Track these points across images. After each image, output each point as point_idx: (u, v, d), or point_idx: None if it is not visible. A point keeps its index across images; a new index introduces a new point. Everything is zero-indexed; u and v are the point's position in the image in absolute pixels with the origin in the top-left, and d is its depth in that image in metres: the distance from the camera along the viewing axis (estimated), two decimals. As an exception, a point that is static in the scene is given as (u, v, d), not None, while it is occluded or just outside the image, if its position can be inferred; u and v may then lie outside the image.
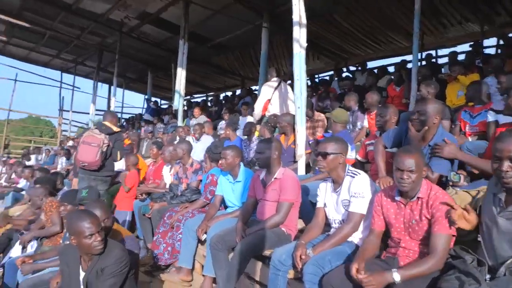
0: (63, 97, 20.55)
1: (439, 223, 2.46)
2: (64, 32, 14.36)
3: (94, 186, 5.72)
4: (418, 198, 2.62)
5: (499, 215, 2.28)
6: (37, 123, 39.29)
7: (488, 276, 2.21)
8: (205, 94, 20.67)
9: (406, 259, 2.63)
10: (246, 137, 7.06)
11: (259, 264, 3.57)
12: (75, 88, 19.69)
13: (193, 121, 10.01)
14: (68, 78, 20.14)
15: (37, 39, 15.77)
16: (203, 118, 9.79)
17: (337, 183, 3.22)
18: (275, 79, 7.37)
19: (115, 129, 6.06)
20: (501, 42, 9.89)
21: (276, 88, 7.21)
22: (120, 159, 6.19)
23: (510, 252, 2.21)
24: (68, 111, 20.17)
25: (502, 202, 2.29)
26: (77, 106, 37.31)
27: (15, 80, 20.61)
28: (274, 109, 7.13)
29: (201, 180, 5.47)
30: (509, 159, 2.18)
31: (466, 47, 10.58)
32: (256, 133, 6.99)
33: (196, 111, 10.37)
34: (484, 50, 9.92)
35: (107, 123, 6.04)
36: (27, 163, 14.24)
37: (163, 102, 21.44)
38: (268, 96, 7.23)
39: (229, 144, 5.94)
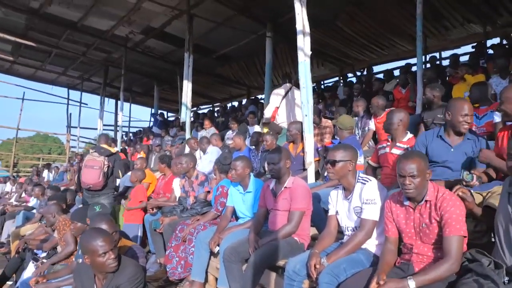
0: (70, 113, 20.81)
1: (449, 225, 2.44)
2: (70, 49, 14.52)
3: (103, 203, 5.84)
4: (426, 201, 2.61)
5: None
6: (45, 141, 39.68)
7: (506, 279, 2.19)
8: (211, 105, 20.72)
9: (420, 264, 2.61)
10: (254, 147, 7.07)
11: (273, 275, 3.55)
12: (82, 104, 19.81)
13: (201, 133, 10.04)
14: (75, 94, 20.44)
15: (43, 57, 15.98)
16: (213, 130, 9.81)
17: (348, 190, 3.20)
18: (288, 85, 7.36)
19: (113, 150, 6.64)
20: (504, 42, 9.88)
21: (284, 97, 7.24)
22: (122, 175, 6.61)
23: None
24: (76, 127, 20.25)
25: None
26: (85, 122, 37.69)
27: (23, 99, 20.92)
28: (281, 117, 7.15)
29: (208, 192, 5.48)
30: None
31: (469, 48, 10.59)
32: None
33: (207, 123, 10.36)
34: (487, 50, 9.87)
35: (104, 145, 6.56)
36: (39, 179, 14.29)
37: (169, 114, 21.54)
38: (277, 104, 7.25)
39: (238, 154, 5.94)
